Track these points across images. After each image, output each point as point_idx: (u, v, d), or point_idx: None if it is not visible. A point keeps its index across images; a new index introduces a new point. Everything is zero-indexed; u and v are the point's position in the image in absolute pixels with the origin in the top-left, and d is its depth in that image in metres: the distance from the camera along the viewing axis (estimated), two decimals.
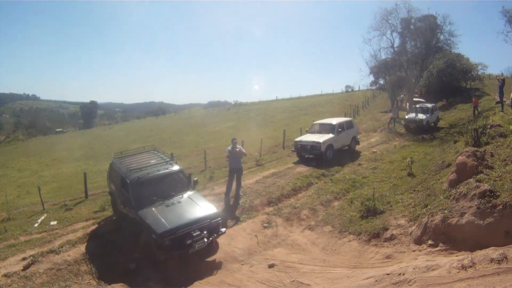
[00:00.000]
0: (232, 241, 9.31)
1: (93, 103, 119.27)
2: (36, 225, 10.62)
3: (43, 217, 11.36)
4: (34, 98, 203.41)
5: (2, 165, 32.26)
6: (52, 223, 10.62)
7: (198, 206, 8.75)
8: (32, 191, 17.54)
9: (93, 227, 9.81)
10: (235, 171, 11.75)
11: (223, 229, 8.83)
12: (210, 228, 8.43)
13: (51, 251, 8.27)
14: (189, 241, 7.95)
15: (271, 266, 7.94)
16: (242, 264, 8.42)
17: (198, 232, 8.12)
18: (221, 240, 8.96)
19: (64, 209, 12.11)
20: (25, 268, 7.52)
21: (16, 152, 42.31)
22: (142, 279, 7.68)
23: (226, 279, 7.61)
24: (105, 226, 9.99)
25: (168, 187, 9.35)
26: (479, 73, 41.61)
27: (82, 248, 8.62)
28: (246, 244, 9.29)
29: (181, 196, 9.16)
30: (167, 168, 9.69)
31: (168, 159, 10.28)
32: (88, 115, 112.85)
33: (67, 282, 7.26)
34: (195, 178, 10.10)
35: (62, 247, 8.47)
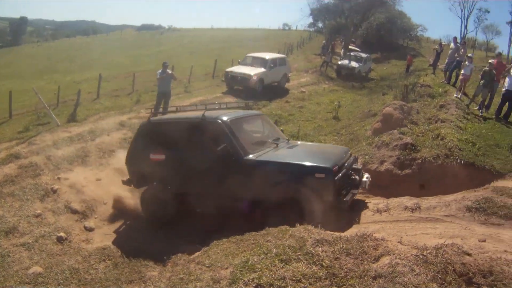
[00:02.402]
0: None
1: (23, 19, 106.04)
2: None
3: None
4: None
5: None
6: None
7: (323, 146, 7.21)
8: None
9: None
10: (163, 95, 11.63)
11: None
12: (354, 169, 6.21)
13: None
14: (355, 179, 5.72)
15: None
16: None
17: (351, 172, 5.84)
18: None
19: None
20: None
21: None
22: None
23: None
24: None
25: (266, 132, 6.77)
26: (418, 34, 42.98)
27: (4, 169, 7.66)
28: None
29: (286, 141, 6.63)
30: (253, 111, 7.24)
31: (243, 105, 7.79)
32: (16, 32, 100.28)
33: None
34: (281, 128, 8.34)
35: None
